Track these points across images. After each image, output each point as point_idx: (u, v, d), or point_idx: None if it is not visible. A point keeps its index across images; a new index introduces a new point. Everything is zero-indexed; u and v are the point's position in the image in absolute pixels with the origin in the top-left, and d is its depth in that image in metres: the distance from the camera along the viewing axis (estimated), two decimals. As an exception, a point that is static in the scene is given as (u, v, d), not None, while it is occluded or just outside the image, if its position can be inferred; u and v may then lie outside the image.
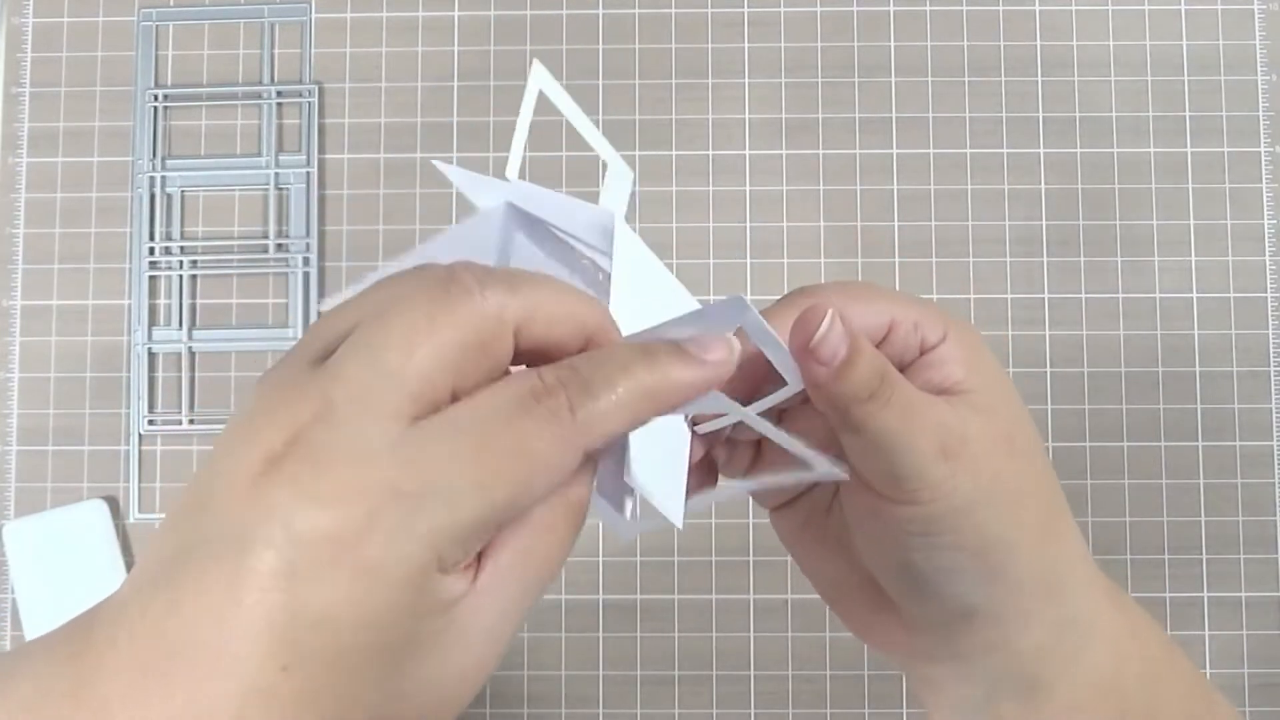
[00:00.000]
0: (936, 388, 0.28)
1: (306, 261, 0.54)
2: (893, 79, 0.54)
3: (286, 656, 0.20)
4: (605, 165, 0.29)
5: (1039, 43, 0.54)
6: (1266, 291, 0.53)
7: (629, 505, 0.26)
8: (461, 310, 0.21)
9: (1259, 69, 0.54)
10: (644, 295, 0.28)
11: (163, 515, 0.53)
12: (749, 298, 0.24)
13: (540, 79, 0.28)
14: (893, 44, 0.55)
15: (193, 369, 0.54)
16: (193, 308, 0.54)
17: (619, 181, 0.29)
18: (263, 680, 0.20)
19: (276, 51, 0.55)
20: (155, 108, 0.55)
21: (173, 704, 0.19)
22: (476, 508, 0.20)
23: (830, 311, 0.26)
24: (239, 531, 0.20)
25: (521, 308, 0.21)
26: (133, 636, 0.20)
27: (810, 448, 0.28)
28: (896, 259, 0.53)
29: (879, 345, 0.29)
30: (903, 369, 0.28)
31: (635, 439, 0.25)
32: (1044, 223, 0.54)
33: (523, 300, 0.21)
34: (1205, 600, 0.52)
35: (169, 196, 0.55)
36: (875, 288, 0.29)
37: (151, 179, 0.54)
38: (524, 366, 0.23)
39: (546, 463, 0.21)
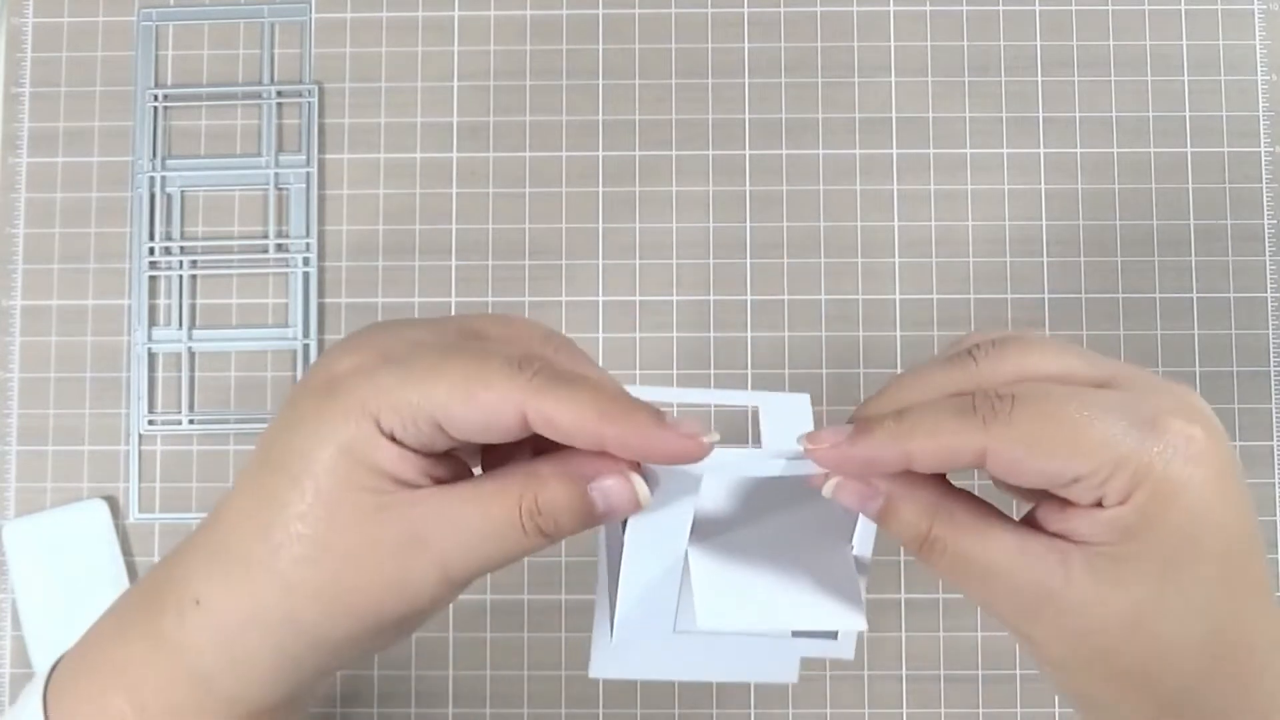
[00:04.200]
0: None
1: (306, 261, 0.54)
2: (893, 79, 0.54)
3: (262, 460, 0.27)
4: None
5: (1039, 43, 0.54)
6: (1266, 291, 0.53)
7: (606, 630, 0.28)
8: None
9: (1259, 69, 0.54)
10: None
11: (162, 515, 0.53)
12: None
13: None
14: (893, 44, 0.55)
15: (193, 369, 0.54)
16: (193, 308, 0.54)
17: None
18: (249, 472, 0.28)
19: (276, 51, 0.55)
20: (155, 108, 0.55)
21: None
22: (414, 391, 0.25)
23: (836, 482, 0.27)
24: None
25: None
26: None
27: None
28: (896, 259, 0.53)
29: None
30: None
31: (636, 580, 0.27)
32: (1044, 222, 0.54)
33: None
34: (1205, 600, 0.52)
35: (169, 196, 0.55)
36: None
37: (151, 179, 0.54)
38: None
39: (484, 395, 0.25)
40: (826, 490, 0.27)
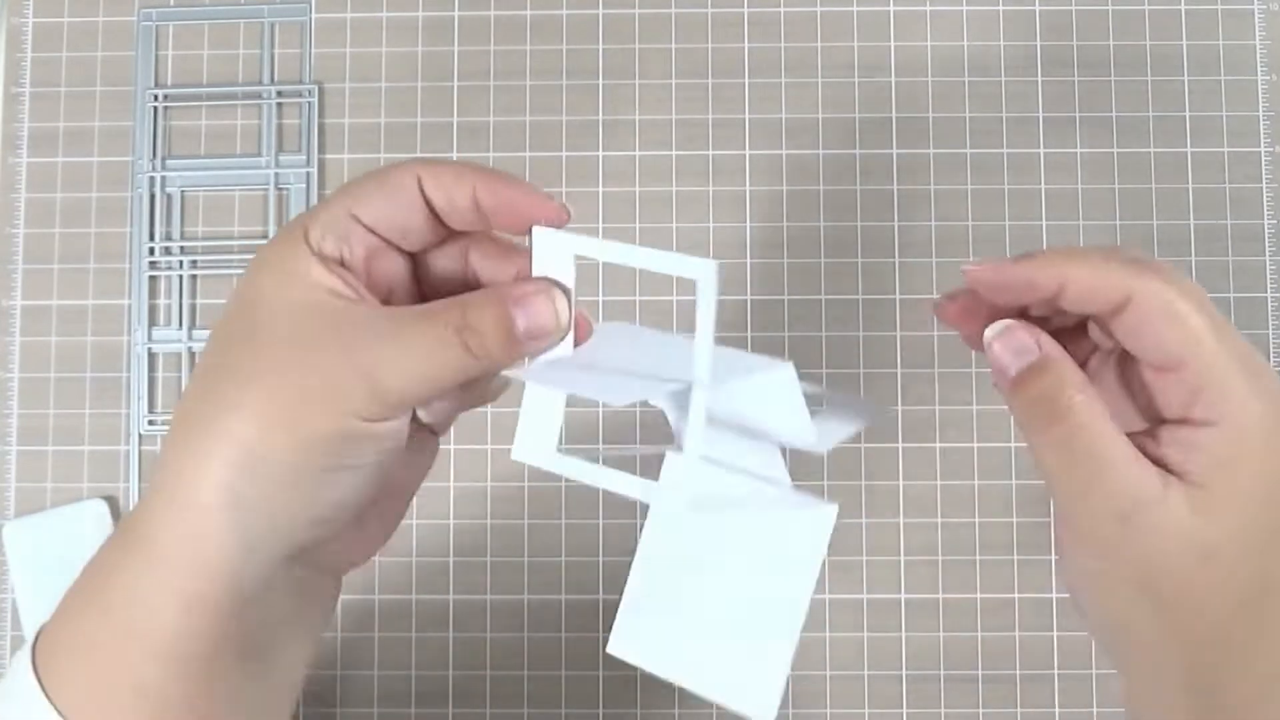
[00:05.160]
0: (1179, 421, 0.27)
1: (306, 261, 0.54)
2: (893, 79, 0.54)
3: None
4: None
5: (1039, 43, 0.54)
6: (1266, 291, 0.53)
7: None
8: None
9: (1259, 69, 0.54)
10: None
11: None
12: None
13: (542, 240, 0.29)
14: (893, 44, 0.55)
15: (192, 369, 0.54)
16: (193, 308, 0.54)
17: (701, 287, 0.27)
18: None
19: (276, 51, 0.55)
20: (155, 108, 0.55)
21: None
22: (339, 200, 0.29)
23: (1007, 323, 0.28)
24: None
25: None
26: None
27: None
28: (896, 259, 0.53)
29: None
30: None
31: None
32: (1044, 223, 0.54)
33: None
34: (1205, 600, 0.52)
35: (169, 196, 0.55)
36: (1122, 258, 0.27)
37: (151, 179, 0.54)
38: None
39: (391, 175, 0.29)
40: (990, 333, 0.28)
